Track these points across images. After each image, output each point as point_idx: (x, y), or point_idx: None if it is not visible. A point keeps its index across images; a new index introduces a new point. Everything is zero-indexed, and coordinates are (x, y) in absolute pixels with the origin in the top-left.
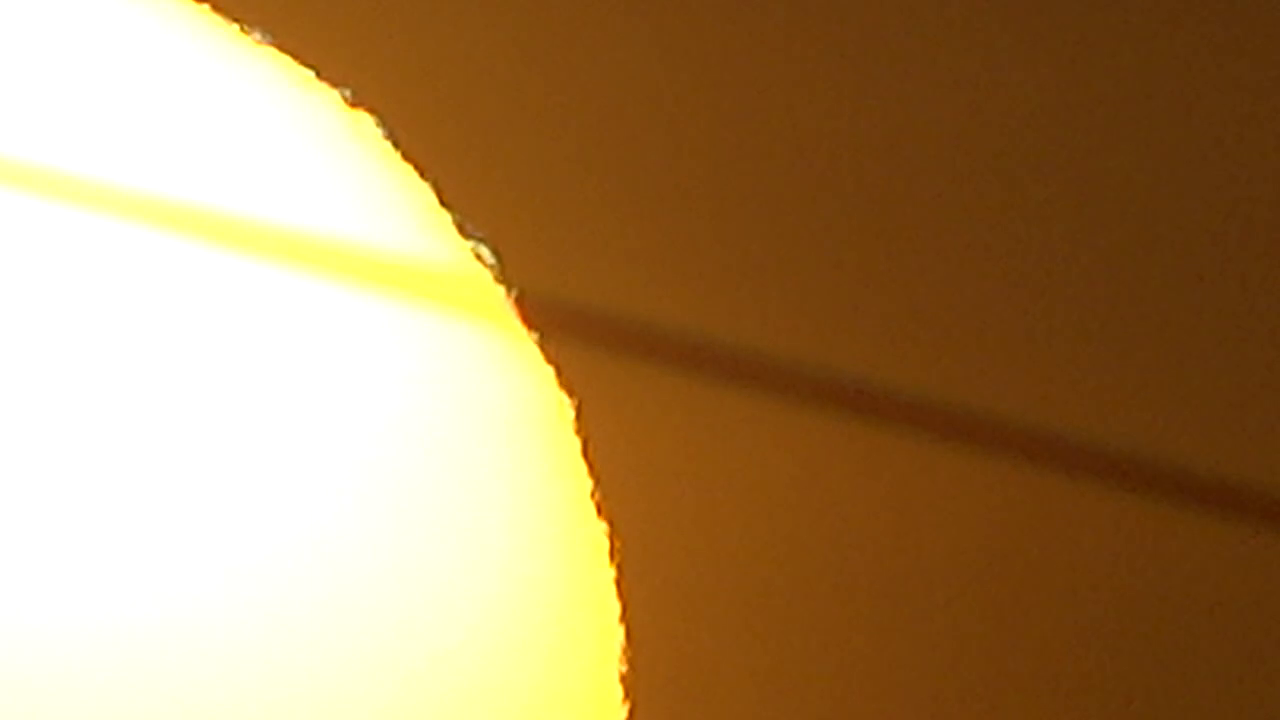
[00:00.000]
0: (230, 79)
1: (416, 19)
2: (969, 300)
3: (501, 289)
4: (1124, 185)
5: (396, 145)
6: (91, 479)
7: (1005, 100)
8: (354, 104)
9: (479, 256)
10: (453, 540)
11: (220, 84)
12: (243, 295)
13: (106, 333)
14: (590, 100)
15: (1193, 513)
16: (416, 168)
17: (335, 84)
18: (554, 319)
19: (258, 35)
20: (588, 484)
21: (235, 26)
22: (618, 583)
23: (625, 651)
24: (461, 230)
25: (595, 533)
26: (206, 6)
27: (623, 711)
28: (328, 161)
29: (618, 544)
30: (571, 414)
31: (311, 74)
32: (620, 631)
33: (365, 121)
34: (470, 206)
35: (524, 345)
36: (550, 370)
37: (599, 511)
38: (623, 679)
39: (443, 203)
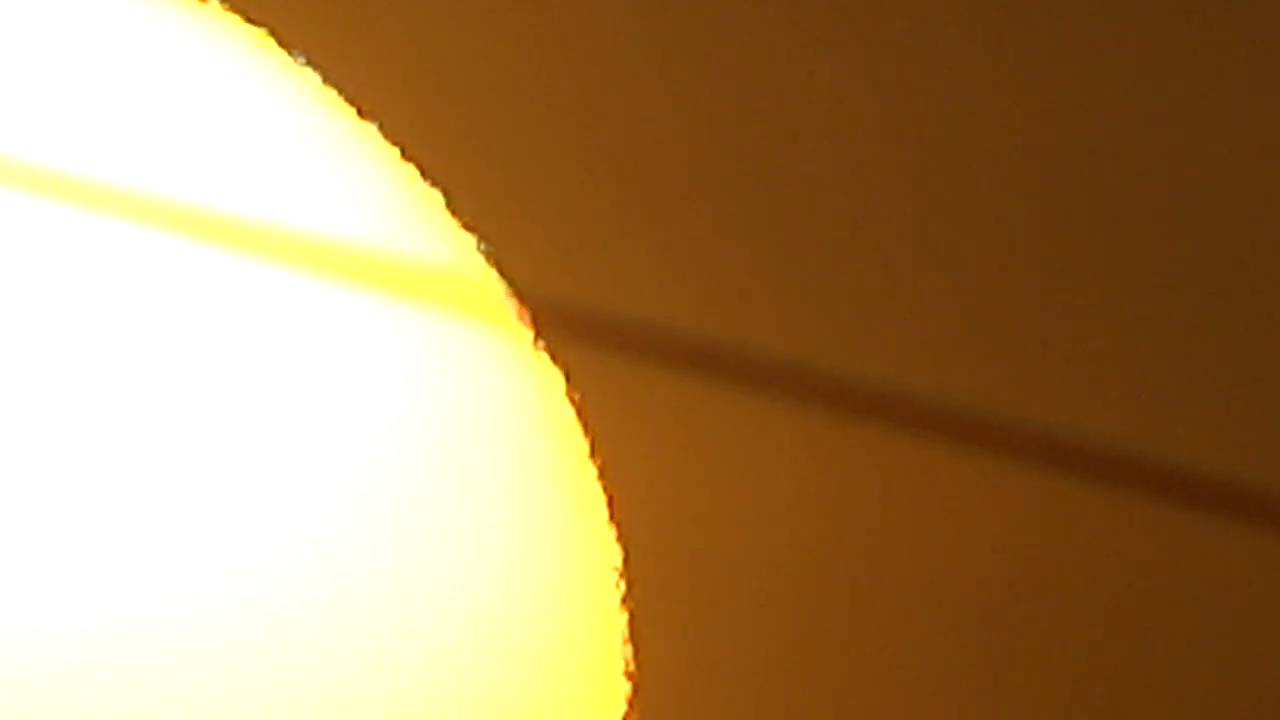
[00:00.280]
0: (232, 79)
1: (419, 19)
2: (973, 303)
3: (504, 290)
4: (1124, 186)
5: (399, 146)
6: (91, 479)
7: (1007, 101)
8: (356, 105)
9: (481, 258)
10: (453, 541)
11: (222, 84)
12: (245, 296)
13: (107, 333)
14: (592, 101)
15: (1193, 513)
16: (419, 169)
17: (337, 85)
18: (557, 320)
19: (261, 36)
20: (591, 485)
21: (238, 27)
22: (621, 583)
23: (628, 652)
24: (464, 231)
25: (599, 534)
26: (210, 5)
27: (625, 712)
28: (330, 162)
29: (621, 545)
30: (575, 415)
31: (314, 74)
32: (624, 632)
33: (368, 123)
34: (473, 208)
35: (526, 346)
36: (553, 372)
37: (602, 512)
38: (626, 680)
39: (445, 204)
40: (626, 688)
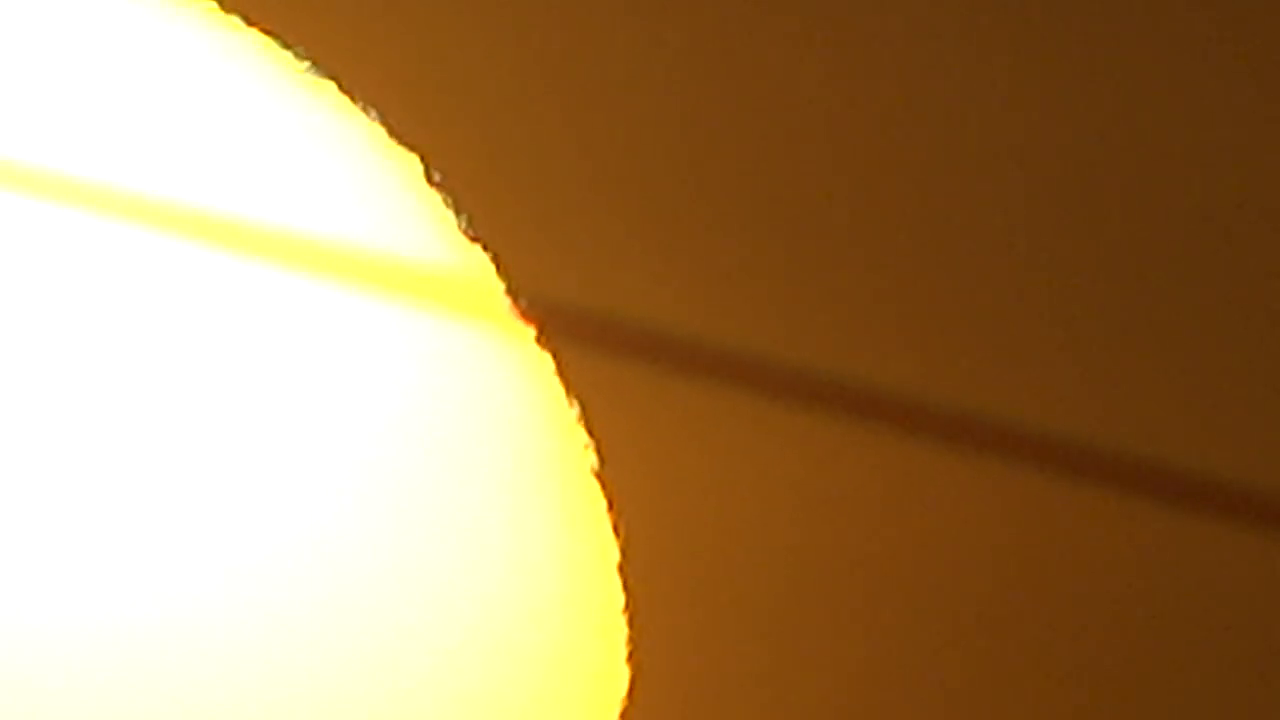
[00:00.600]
0: (240, 83)
1: (426, 24)
2: (973, 304)
3: (505, 292)
4: (1125, 187)
5: (403, 150)
6: (92, 479)
7: (1007, 103)
8: (362, 108)
9: (484, 260)
10: (454, 541)
11: (229, 89)
12: (248, 297)
13: (111, 335)
14: (596, 106)
15: (1193, 513)
16: (424, 172)
17: (343, 88)
18: (559, 322)
19: (268, 40)
20: (591, 487)
21: (243, 30)
22: (623, 583)
23: (629, 651)
24: (467, 234)
25: (600, 533)
26: (213, 7)
27: (624, 712)
28: (335, 166)
29: (621, 545)
30: (575, 417)
31: (321, 79)
32: (623, 632)
33: (373, 126)
34: (476, 211)
35: (528, 348)
36: (555, 373)
37: (602, 513)
38: (625, 679)
39: (448, 207)
40: (626, 687)
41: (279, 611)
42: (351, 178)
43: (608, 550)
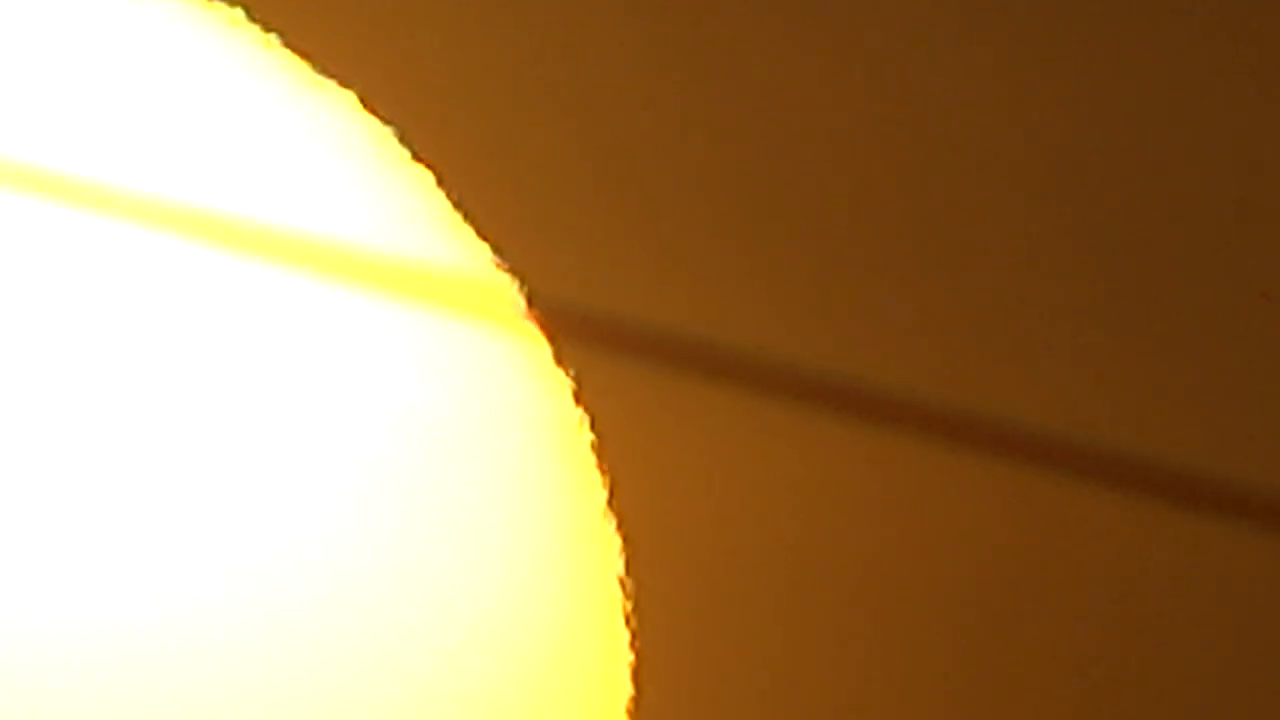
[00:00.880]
0: (253, 87)
1: (436, 26)
2: (973, 304)
3: (512, 293)
4: (1125, 188)
5: (413, 151)
6: (94, 480)
7: (1008, 104)
8: (372, 111)
9: (491, 262)
10: (457, 541)
11: (242, 92)
12: (256, 298)
13: (117, 336)
14: (603, 110)
15: (1193, 513)
16: (433, 174)
17: (354, 91)
18: (563, 323)
19: (277, 44)
20: (596, 486)
21: (255, 34)
22: (625, 582)
23: (631, 651)
24: (474, 236)
25: (605, 534)
26: (226, 11)
27: (628, 710)
28: (345, 168)
29: (625, 545)
30: (580, 416)
31: (331, 82)
32: (626, 631)
33: (383, 129)
34: (485, 212)
35: (536, 348)
36: (562, 374)
37: (607, 513)
38: (629, 679)
39: (457, 209)
40: (629, 687)
41: (279, 611)
42: (363, 182)
43: (610, 549)
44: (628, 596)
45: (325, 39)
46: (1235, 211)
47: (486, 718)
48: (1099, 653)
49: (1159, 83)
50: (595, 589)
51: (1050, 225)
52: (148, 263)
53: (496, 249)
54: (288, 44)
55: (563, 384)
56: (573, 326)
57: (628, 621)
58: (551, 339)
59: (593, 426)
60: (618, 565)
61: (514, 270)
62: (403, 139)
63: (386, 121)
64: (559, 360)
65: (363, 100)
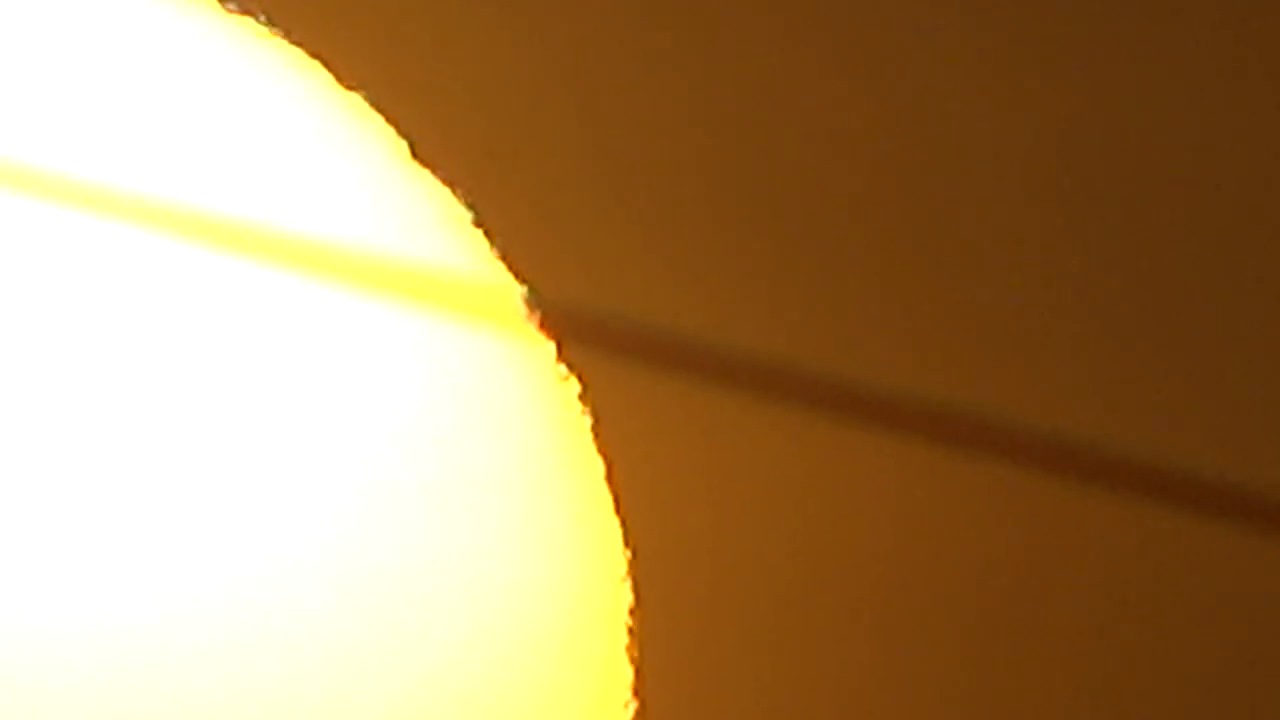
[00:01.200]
0: (256, 91)
1: (443, 30)
2: (973, 306)
3: (517, 295)
4: (1125, 187)
5: (416, 152)
6: (95, 480)
7: (1009, 104)
8: (375, 111)
9: (495, 263)
10: (460, 541)
11: (247, 94)
12: (259, 300)
13: (119, 337)
14: (607, 111)
15: (1193, 513)
16: (435, 175)
17: (359, 92)
18: (567, 325)
19: (283, 45)
20: (599, 487)
21: (261, 35)
22: (628, 583)
23: (634, 652)
24: (479, 237)
25: (609, 535)
26: (230, 10)
27: (630, 710)
28: (348, 168)
29: (630, 545)
30: (584, 418)
31: (334, 81)
32: (629, 631)
33: (387, 129)
34: (489, 215)
35: (540, 351)
36: (563, 375)
37: (610, 514)
38: (631, 679)
39: (461, 211)
40: (631, 687)
41: (280, 612)
42: (368, 185)
43: (614, 551)
44: (630, 597)
45: (332, 42)
46: (1235, 211)
47: (488, 718)
48: (1099, 653)
49: (1159, 83)
50: (598, 590)
51: (1050, 225)
52: (153, 265)
53: (501, 252)
54: (295, 47)
55: (567, 386)
56: (577, 329)
57: (630, 622)
58: (555, 341)
59: (596, 428)
60: (621, 566)
61: (518, 273)
62: (408, 141)
63: (392, 124)
64: (563, 362)
65: (369, 103)
